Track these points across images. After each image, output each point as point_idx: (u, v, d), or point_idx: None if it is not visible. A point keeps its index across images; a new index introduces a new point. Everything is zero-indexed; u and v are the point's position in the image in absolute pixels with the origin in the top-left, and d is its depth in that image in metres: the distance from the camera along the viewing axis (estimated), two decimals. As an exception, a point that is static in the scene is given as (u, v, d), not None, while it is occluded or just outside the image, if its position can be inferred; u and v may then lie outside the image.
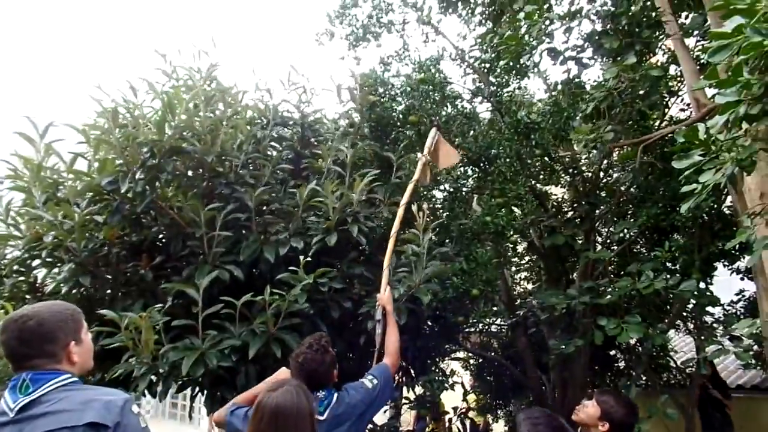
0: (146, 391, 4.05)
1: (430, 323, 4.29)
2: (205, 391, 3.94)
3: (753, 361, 3.87)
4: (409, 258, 3.58)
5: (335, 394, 2.48)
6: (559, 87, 4.73)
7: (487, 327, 6.73)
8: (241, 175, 3.98)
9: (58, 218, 3.70)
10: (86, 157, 4.00)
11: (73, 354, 1.65)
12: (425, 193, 4.75)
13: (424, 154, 3.49)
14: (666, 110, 5.43)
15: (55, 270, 4.23)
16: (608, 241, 5.90)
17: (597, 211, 5.16)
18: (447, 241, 4.48)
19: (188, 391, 4.03)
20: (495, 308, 5.58)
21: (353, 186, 3.75)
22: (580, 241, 4.69)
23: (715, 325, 4.98)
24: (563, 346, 3.92)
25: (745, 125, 2.14)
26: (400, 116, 4.34)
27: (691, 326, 5.52)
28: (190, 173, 4.01)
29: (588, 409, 2.94)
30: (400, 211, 3.29)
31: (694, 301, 5.29)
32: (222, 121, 3.86)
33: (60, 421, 1.52)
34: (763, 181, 3.06)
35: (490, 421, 8.15)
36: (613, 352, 6.33)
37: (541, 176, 5.33)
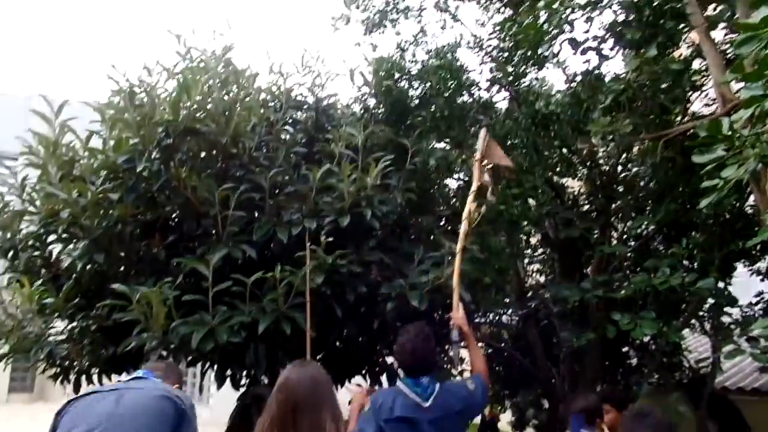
0: (156, 366, 4.12)
1: (440, 312, 4.27)
2: (215, 367, 3.98)
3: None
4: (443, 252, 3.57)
5: (437, 384, 2.57)
6: (579, 78, 4.64)
7: (497, 318, 6.71)
8: (254, 158, 3.98)
9: (72, 195, 3.74)
10: (101, 136, 4.02)
11: None
12: (438, 183, 4.70)
13: (476, 157, 3.38)
14: (688, 105, 5.30)
15: (70, 246, 4.29)
16: (625, 236, 5.81)
17: (614, 206, 5.08)
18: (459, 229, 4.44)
19: (198, 369, 4.08)
20: (506, 299, 5.55)
21: (368, 170, 3.73)
22: (595, 235, 4.61)
23: (732, 325, 4.89)
24: (575, 339, 3.87)
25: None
26: (416, 102, 4.29)
27: (708, 326, 5.43)
28: (204, 154, 4.02)
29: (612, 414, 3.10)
30: (464, 225, 3.19)
31: (711, 301, 5.22)
32: (236, 103, 3.85)
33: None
34: (787, 178, 2.97)
35: (498, 412, 8.15)
36: (625, 349, 6.27)
37: (558, 168, 5.25)
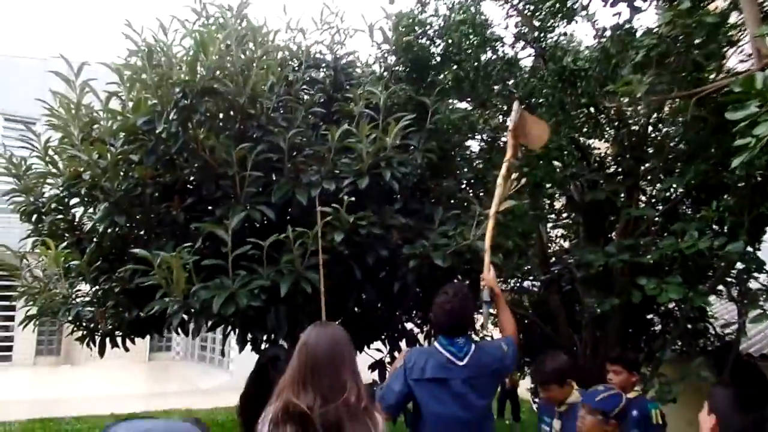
0: (179, 329, 4.19)
1: (460, 276, 4.23)
2: (236, 331, 4.02)
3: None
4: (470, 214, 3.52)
5: (473, 344, 2.59)
6: (608, 33, 4.42)
7: (519, 284, 6.64)
8: (272, 118, 3.92)
9: (93, 157, 3.74)
10: (120, 96, 3.99)
11: None
12: (460, 144, 4.59)
13: (510, 130, 3.27)
14: (723, 61, 5.04)
15: (91, 210, 4.33)
16: (653, 199, 5.64)
17: (642, 168, 4.91)
18: (482, 193, 4.35)
19: (219, 334, 4.12)
20: (528, 265, 5.47)
21: (387, 130, 3.64)
22: (621, 198, 4.48)
23: (759, 291, 4.75)
24: (597, 305, 3.80)
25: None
26: (437, 59, 4.14)
27: (735, 292, 5.29)
28: (221, 115, 3.97)
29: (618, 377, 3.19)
30: (499, 190, 3.09)
31: (739, 266, 5.07)
32: (253, 62, 3.77)
33: None
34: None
35: (518, 379, 8.17)
36: (649, 316, 6.18)
37: (585, 128, 5.07)
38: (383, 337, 5.03)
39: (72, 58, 4.07)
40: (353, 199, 3.14)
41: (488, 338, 4.51)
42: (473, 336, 4.10)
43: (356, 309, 4.82)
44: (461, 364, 2.51)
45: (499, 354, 2.62)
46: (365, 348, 5.12)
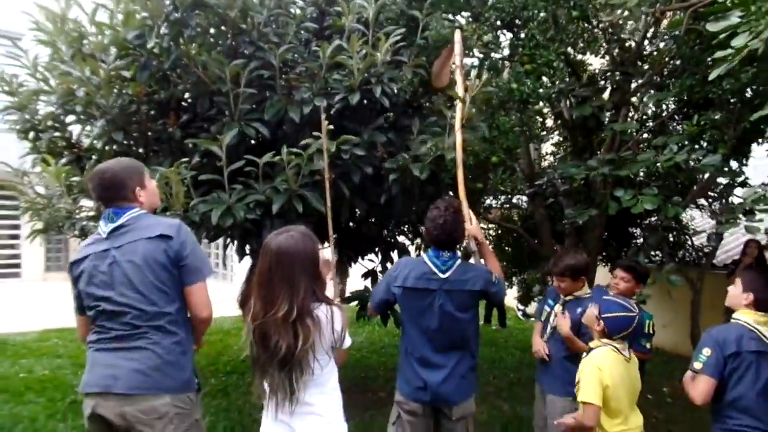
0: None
1: (442, 183, 4.37)
2: (235, 243, 4.24)
3: (764, 235, 3.90)
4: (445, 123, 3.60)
5: (458, 260, 2.69)
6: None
7: (509, 199, 6.84)
8: (264, 33, 3.90)
9: (85, 74, 3.76)
10: (108, 8, 3.94)
11: (140, 196, 2.28)
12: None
13: (456, 54, 3.34)
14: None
15: (89, 128, 4.39)
16: (645, 116, 5.69)
17: (635, 84, 4.92)
18: (473, 109, 4.40)
19: (220, 248, 4.32)
20: (515, 181, 5.62)
21: (377, 46, 3.65)
22: (609, 114, 4.55)
23: (739, 206, 4.93)
24: (578, 215, 3.99)
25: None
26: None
27: (717, 207, 5.49)
28: (213, 30, 3.95)
29: (621, 285, 3.42)
30: (459, 133, 3.15)
31: (723, 181, 5.21)
32: (243, -27, 3.69)
33: (138, 235, 2.17)
34: (810, 49, 2.85)
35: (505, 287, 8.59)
36: (632, 230, 6.43)
37: (580, 44, 5.02)
38: (376, 250, 5.29)
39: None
40: (332, 126, 3.21)
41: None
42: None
43: (351, 224, 5.03)
44: (443, 276, 2.63)
45: (485, 277, 2.71)
46: (359, 259, 5.40)
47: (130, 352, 2.12)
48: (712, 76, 2.42)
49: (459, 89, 3.23)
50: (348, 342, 2.21)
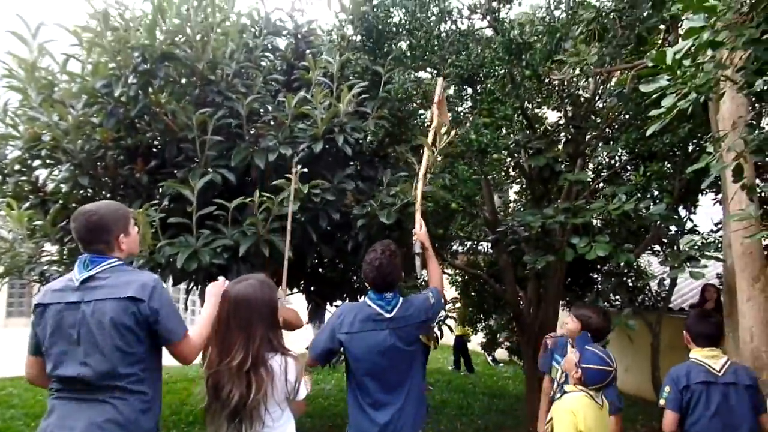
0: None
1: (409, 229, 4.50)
2: (200, 286, 4.24)
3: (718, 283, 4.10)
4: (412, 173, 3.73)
5: (401, 298, 2.76)
6: (561, 5, 4.63)
7: (474, 246, 7.01)
8: (233, 84, 4.05)
9: (53, 119, 3.82)
10: (79, 59, 4.04)
11: (121, 243, 2.21)
12: (413, 112, 4.79)
13: (434, 102, 3.42)
14: (668, 35, 5.33)
15: (55, 172, 4.41)
16: (599, 167, 6.00)
17: (588, 136, 5.22)
18: (438, 156, 4.58)
19: (182, 293, 4.32)
20: (478, 228, 5.78)
21: (341, 97, 3.83)
22: (563, 165, 4.79)
23: (685, 251, 5.18)
24: (536, 262, 4.13)
25: (710, 52, 2.19)
26: (393, 29, 4.30)
27: (667, 252, 5.74)
28: (183, 81, 4.08)
29: (569, 325, 3.30)
30: (427, 153, 3.29)
31: (673, 228, 5.49)
32: (213, 28, 3.86)
33: (109, 293, 2.08)
34: (736, 109, 3.13)
35: (469, 333, 8.66)
36: (594, 276, 6.64)
37: (536, 99, 5.33)
38: (344, 295, 5.32)
39: (33, 18, 4.08)
40: (306, 170, 3.32)
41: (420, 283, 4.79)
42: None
43: (320, 270, 5.09)
44: (389, 316, 2.68)
45: (425, 305, 2.79)
46: (328, 305, 5.42)
47: (90, 405, 2.08)
48: (648, 132, 2.63)
49: (429, 136, 3.36)
50: (303, 393, 2.19)
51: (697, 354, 2.90)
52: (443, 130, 3.35)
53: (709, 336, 2.91)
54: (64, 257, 4.47)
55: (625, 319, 4.03)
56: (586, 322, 3.14)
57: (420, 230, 3.06)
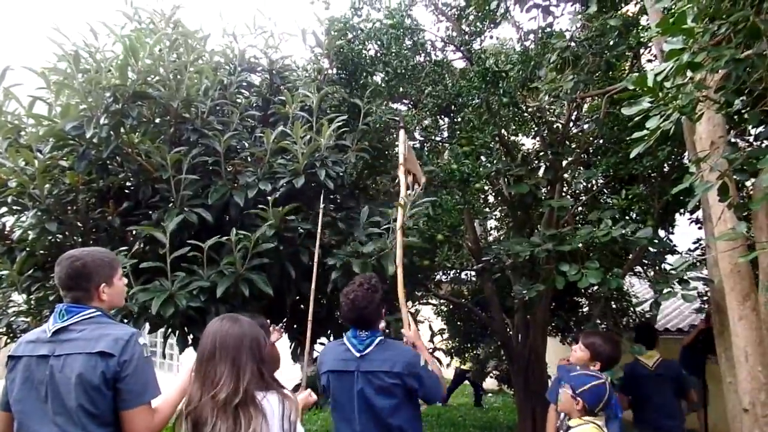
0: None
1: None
2: (177, 333, 4.04)
3: (699, 302, 4.09)
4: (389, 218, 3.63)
5: (378, 338, 2.48)
6: (531, 36, 4.73)
7: (457, 275, 6.95)
8: (208, 122, 3.96)
9: (19, 164, 3.67)
10: (47, 102, 3.92)
11: (103, 294, 2.09)
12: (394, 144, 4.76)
13: (401, 163, 3.18)
14: (636, 61, 5.48)
15: (22, 219, 4.22)
16: (576, 191, 6.05)
17: (565, 162, 5.27)
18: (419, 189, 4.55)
19: (159, 338, 4.12)
20: (462, 257, 5.73)
21: (321, 131, 3.77)
22: (544, 191, 4.81)
23: (672, 271, 5.21)
24: (526, 291, 4.08)
25: (690, 73, 2.21)
26: (369, 62, 4.31)
27: (651, 273, 5.77)
28: (157, 120, 3.98)
29: (578, 354, 3.16)
30: (399, 235, 3.05)
31: (653, 249, 5.53)
32: (186, 67, 3.80)
33: (79, 347, 1.95)
34: (714, 130, 3.16)
35: (468, 368, 8.47)
36: (579, 299, 6.62)
37: (512, 126, 5.37)
38: (329, 332, 5.16)
39: (-4, 62, 3.96)
40: (276, 197, 3.20)
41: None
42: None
43: (301, 306, 4.93)
44: (358, 355, 2.44)
45: (407, 358, 2.44)
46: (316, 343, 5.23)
47: None
48: (633, 155, 2.63)
49: (402, 191, 3.15)
50: None
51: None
52: (422, 182, 3.21)
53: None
54: (32, 308, 4.24)
55: (629, 344, 3.99)
56: (595, 351, 3.04)
57: (409, 330, 2.70)
